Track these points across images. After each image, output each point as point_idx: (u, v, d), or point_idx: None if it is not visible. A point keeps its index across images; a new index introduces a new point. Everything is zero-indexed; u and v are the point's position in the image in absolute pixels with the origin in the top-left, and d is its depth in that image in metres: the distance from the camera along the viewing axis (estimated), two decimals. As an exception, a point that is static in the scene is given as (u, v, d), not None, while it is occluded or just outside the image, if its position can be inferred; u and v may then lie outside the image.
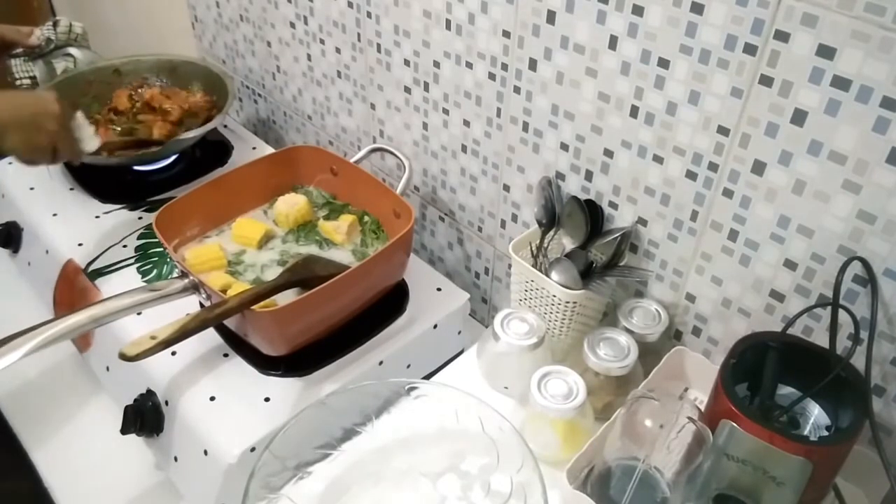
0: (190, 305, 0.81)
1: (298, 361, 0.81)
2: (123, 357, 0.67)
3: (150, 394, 0.82)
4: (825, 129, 0.59)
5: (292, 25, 1.10)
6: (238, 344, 0.83)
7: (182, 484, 0.82)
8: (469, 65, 0.85)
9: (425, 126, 0.97)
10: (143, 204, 1.05)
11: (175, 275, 0.86)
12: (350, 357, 0.83)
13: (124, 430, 0.81)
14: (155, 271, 0.94)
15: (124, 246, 0.98)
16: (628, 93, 0.70)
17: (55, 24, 1.11)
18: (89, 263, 0.95)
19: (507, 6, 0.76)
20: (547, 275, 0.77)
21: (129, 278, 0.93)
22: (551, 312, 0.78)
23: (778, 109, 0.61)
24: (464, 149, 0.93)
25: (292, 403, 0.78)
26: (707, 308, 0.76)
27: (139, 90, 1.17)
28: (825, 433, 0.63)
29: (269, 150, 1.17)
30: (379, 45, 0.96)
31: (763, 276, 0.69)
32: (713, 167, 0.68)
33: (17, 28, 1.06)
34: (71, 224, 1.02)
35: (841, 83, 0.56)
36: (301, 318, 0.77)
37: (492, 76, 0.83)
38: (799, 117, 0.60)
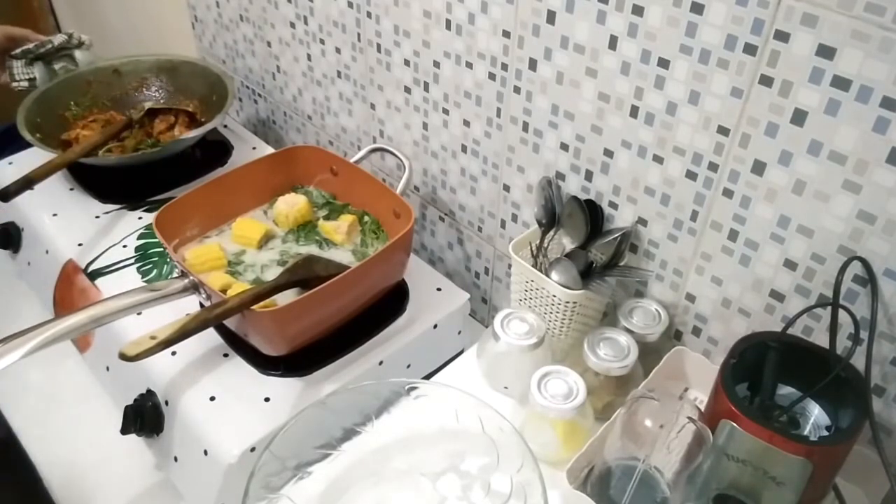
0: (190, 305, 0.81)
1: (298, 361, 0.81)
2: (123, 357, 0.67)
3: (150, 394, 0.82)
4: (825, 129, 0.59)
5: (292, 25, 1.10)
6: (238, 344, 0.83)
7: (182, 484, 0.82)
8: (469, 65, 0.85)
9: (425, 126, 0.97)
10: (143, 204, 1.05)
11: (175, 275, 0.86)
12: (350, 357, 0.83)
13: (124, 430, 0.81)
14: (155, 271, 0.94)
15: (124, 246, 0.98)
16: (628, 93, 0.70)
17: (70, 36, 1.13)
18: (89, 263, 0.95)
19: (507, 6, 0.76)
20: (547, 275, 0.77)
21: (129, 278, 0.93)
22: (551, 312, 0.78)
23: (778, 109, 0.61)
24: (464, 149, 0.93)
25: (292, 403, 0.78)
26: (707, 308, 0.76)
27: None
28: (825, 433, 0.63)
29: (269, 150, 1.17)
30: (379, 45, 0.96)
31: (763, 276, 0.69)
32: (713, 167, 0.68)
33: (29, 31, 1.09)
34: (71, 224, 1.02)
35: (841, 83, 0.56)
36: (301, 318, 0.77)
37: (492, 76, 0.83)
38: (799, 117, 0.60)
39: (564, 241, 0.80)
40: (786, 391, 0.65)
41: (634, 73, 0.69)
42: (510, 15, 0.77)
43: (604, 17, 0.68)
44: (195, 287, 0.78)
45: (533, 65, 0.78)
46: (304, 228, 0.93)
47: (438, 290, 0.93)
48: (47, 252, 1.00)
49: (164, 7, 1.44)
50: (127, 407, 0.82)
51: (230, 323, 0.78)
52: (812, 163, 0.61)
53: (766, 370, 0.64)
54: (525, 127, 0.83)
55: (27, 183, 0.94)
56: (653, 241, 0.77)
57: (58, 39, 1.13)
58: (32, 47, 1.11)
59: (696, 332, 0.78)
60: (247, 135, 1.21)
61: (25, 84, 1.12)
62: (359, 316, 0.84)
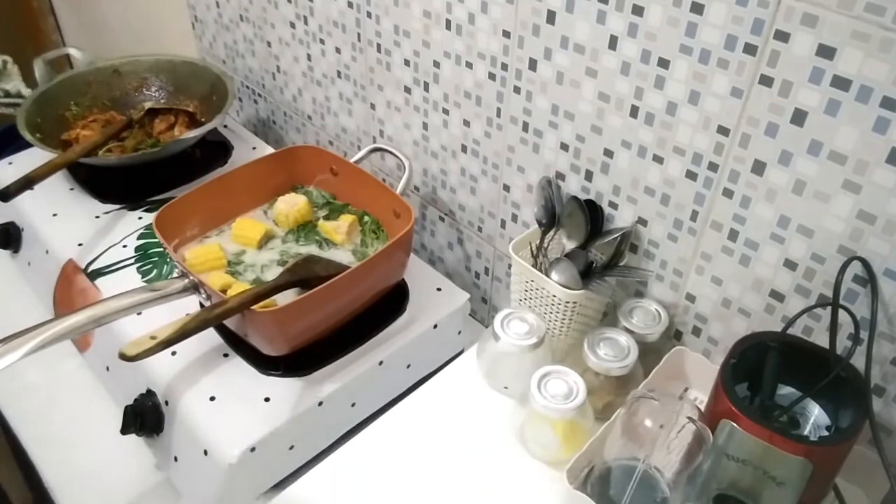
0: (190, 305, 0.81)
1: (298, 361, 0.81)
2: (123, 357, 0.67)
3: (150, 394, 0.82)
4: (825, 129, 0.59)
5: (292, 25, 1.10)
6: (238, 344, 0.83)
7: (182, 484, 0.82)
8: (469, 65, 0.85)
9: (425, 126, 0.97)
10: (143, 204, 1.05)
11: (175, 275, 0.86)
12: (350, 357, 0.83)
13: (124, 430, 0.81)
14: (155, 271, 0.94)
15: (124, 246, 0.98)
16: (628, 93, 0.70)
17: None
18: (89, 263, 0.95)
19: (507, 6, 0.76)
20: (547, 275, 0.76)
21: (129, 278, 0.93)
22: (551, 312, 0.78)
23: (778, 109, 0.61)
24: (464, 149, 0.93)
25: (292, 403, 0.78)
26: (707, 308, 0.76)
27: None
28: (825, 433, 0.63)
29: (269, 150, 1.17)
30: (379, 45, 0.96)
31: (763, 276, 0.69)
32: (713, 167, 0.68)
33: None
34: (71, 224, 1.02)
35: (841, 83, 0.56)
36: (301, 318, 0.77)
37: (492, 76, 0.83)
38: (799, 117, 0.60)
39: (564, 241, 0.80)
40: (786, 391, 0.65)
41: (634, 73, 0.69)
42: (510, 15, 0.77)
43: (604, 17, 0.68)
44: (195, 287, 0.78)
45: (533, 65, 0.78)
46: (304, 228, 0.93)
47: (438, 290, 0.93)
48: (47, 252, 1.00)
49: (163, 7, 1.44)
50: (127, 407, 0.82)
51: (230, 323, 0.78)
52: (812, 163, 0.61)
53: (766, 370, 0.64)
54: (525, 127, 0.83)
55: (27, 183, 0.94)
56: (653, 241, 0.77)
57: None
58: None
59: (696, 332, 0.78)
60: (247, 135, 1.21)
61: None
62: (359, 316, 0.84)
